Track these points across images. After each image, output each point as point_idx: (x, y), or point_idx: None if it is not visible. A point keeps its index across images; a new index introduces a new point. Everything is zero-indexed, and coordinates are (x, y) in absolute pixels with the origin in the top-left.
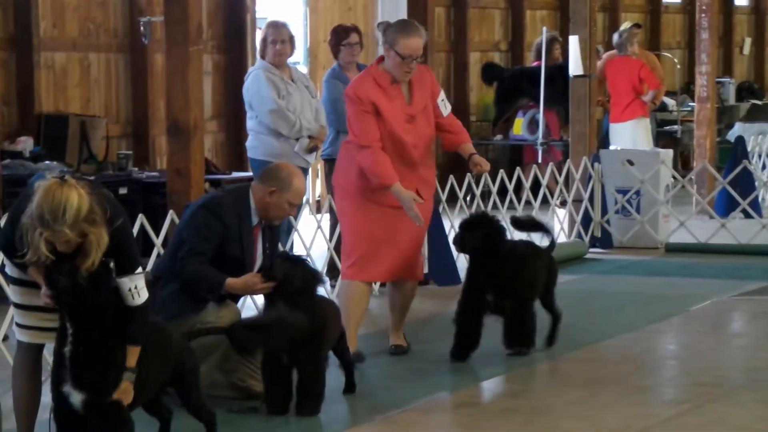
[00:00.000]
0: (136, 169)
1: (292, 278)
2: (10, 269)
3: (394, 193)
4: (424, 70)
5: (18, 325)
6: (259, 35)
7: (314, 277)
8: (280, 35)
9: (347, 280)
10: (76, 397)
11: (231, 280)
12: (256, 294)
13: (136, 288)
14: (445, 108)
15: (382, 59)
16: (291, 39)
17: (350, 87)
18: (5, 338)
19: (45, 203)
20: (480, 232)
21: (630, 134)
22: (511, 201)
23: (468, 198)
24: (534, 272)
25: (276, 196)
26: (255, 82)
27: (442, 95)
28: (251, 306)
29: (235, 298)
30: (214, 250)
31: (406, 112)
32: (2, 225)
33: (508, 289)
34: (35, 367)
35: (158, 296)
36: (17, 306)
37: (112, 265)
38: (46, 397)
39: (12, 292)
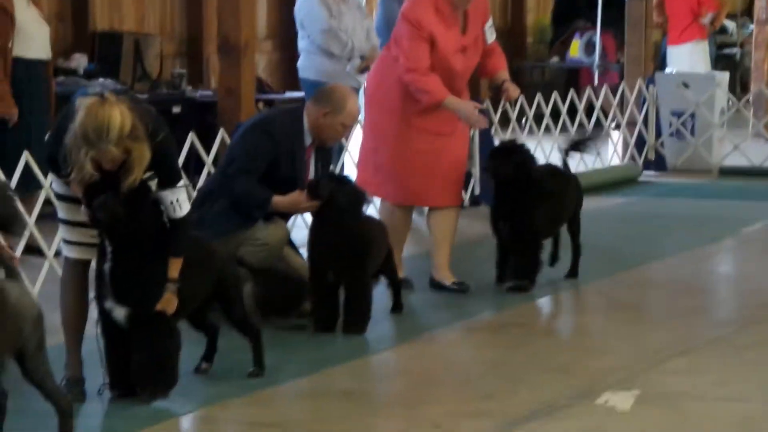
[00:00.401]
0: (190, 87)
1: (337, 197)
2: (56, 185)
3: (448, 105)
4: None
5: (65, 241)
6: None
7: (360, 197)
8: None
9: (388, 203)
10: (119, 312)
11: (277, 198)
12: (302, 212)
13: (178, 201)
14: (491, 35)
15: None
16: None
17: (409, 9)
18: (56, 254)
19: (88, 122)
20: (512, 160)
21: (687, 57)
22: (564, 123)
23: (523, 120)
24: (556, 207)
25: (330, 118)
26: (307, 1)
27: (489, 22)
28: (301, 224)
29: (286, 216)
30: (265, 169)
31: (460, 42)
32: (47, 141)
33: (523, 218)
34: (82, 282)
35: (208, 213)
36: (63, 222)
37: (151, 183)
38: (94, 312)
39: (59, 208)
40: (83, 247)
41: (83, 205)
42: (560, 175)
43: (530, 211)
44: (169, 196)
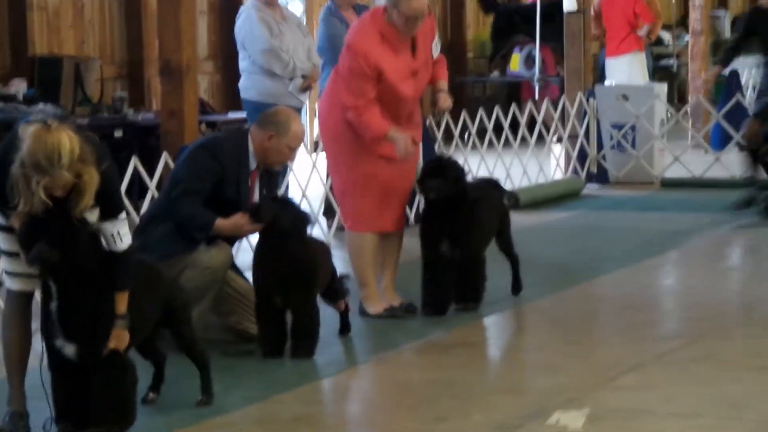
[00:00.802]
0: (132, 111)
1: (280, 220)
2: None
3: (390, 139)
4: (427, 17)
5: (6, 272)
6: None
7: (303, 219)
8: None
9: (356, 232)
10: (70, 349)
11: (220, 221)
12: (245, 235)
13: (119, 234)
14: (436, 50)
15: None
16: None
17: (354, 40)
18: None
19: (38, 149)
20: (448, 177)
21: (626, 69)
22: (506, 138)
23: (465, 136)
24: (486, 220)
25: (275, 141)
26: (247, 21)
27: (436, 38)
28: (246, 247)
29: (230, 239)
30: (210, 192)
31: (410, 67)
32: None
33: (460, 239)
34: (26, 314)
35: (152, 235)
36: (5, 253)
37: (91, 215)
38: (36, 344)
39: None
40: (25, 278)
41: (19, 244)
42: (483, 188)
43: (470, 229)
44: (110, 228)
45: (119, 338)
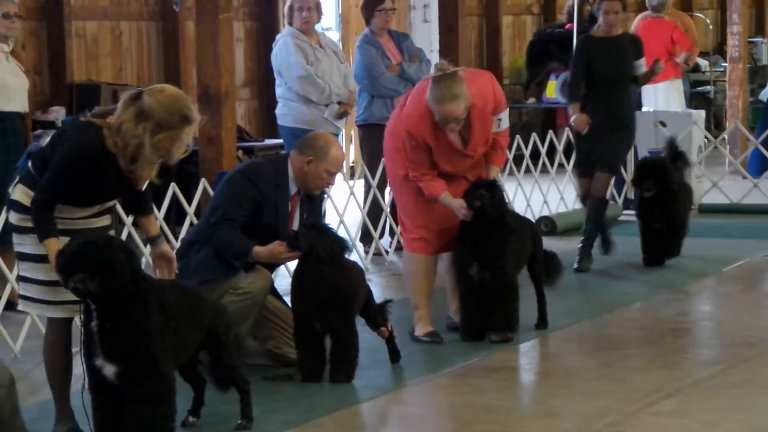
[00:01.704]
0: None
1: (316, 248)
2: (30, 247)
3: (442, 202)
4: (487, 94)
5: (46, 302)
6: (287, 1)
7: (340, 245)
8: (306, 2)
9: (413, 253)
10: (110, 369)
11: (258, 249)
12: (283, 263)
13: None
14: (499, 126)
15: None
16: (317, 5)
17: (406, 119)
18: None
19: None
20: (497, 195)
21: (663, 96)
22: (543, 164)
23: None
24: (521, 245)
25: (314, 165)
26: (283, 48)
27: (502, 114)
28: (284, 273)
29: (270, 265)
30: (248, 218)
31: (460, 152)
32: (46, 186)
33: (492, 263)
34: (67, 338)
35: (192, 260)
36: (44, 283)
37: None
38: (77, 368)
39: (37, 270)
40: (66, 305)
41: (58, 274)
42: (516, 215)
43: (505, 254)
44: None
45: (162, 255)
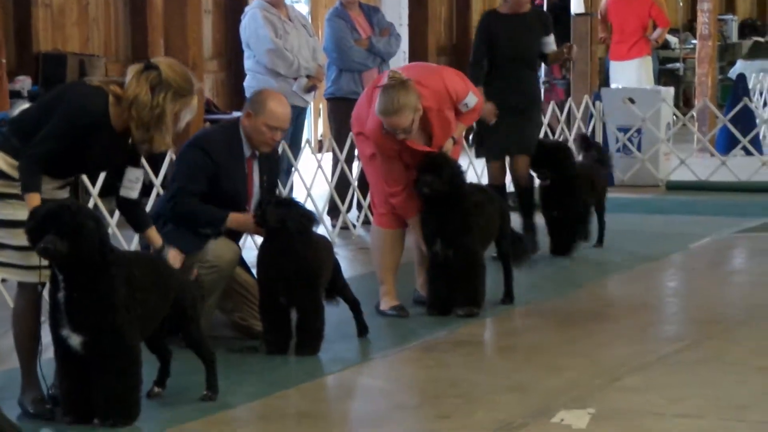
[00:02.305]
0: None
1: (286, 223)
2: (8, 214)
3: (411, 225)
4: (441, 94)
5: (19, 266)
6: None
7: (308, 219)
8: None
9: (380, 227)
10: (76, 340)
11: (234, 215)
12: (253, 233)
13: (137, 179)
14: (467, 107)
15: None
16: None
17: (369, 129)
18: (3, 279)
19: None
20: (445, 174)
21: (635, 73)
22: None
23: (470, 137)
24: (486, 221)
25: (253, 120)
26: (252, 21)
27: (466, 99)
28: (251, 245)
29: (237, 237)
30: (205, 187)
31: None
32: (43, 141)
33: (455, 239)
34: (36, 306)
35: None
36: (18, 249)
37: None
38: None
39: (12, 236)
40: (34, 270)
41: (27, 236)
42: (484, 190)
43: (466, 230)
44: (135, 172)
45: (175, 258)
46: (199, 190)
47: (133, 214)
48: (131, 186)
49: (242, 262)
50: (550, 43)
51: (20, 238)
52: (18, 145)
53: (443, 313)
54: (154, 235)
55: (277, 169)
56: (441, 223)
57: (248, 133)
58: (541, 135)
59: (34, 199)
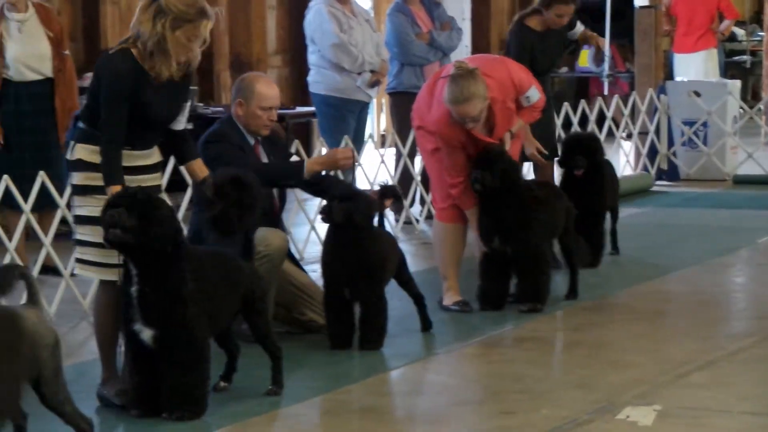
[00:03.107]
0: (201, 104)
1: (353, 217)
2: (91, 210)
3: (469, 217)
4: (506, 84)
5: (101, 264)
6: None
7: (372, 210)
8: None
9: (442, 222)
10: (147, 334)
11: (310, 160)
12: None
13: (185, 113)
14: (529, 102)
15: None
16: None
17: (433, 120)
18: (72, 273)
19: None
20: (497, 170)
21: (701, 65)
22: None
23: None
24: (550, 216)
25: (245, 107)
26: (317, 16)
27: (529, 92)
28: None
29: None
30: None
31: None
32: (105, 124)
33: (514, 235)
34: (116, 301)
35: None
36: (96, 245)
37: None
38: None
39: (94, 233)
40: (118, 269)
41: (101, 219)
42: (549, 186)
43: (528, 225)
44: (187, 107)
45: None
46: (255, 161)
47: (178, 146)
48: (177, 119)
49: (295, 261)
50: (577, 30)
51: (100, 235)
52: (93, 131)
53: (495, 309)
54: (199, 167)
55: (284, 148)
56: (498, 219)
57: (245, 122)
58: (605, 129)
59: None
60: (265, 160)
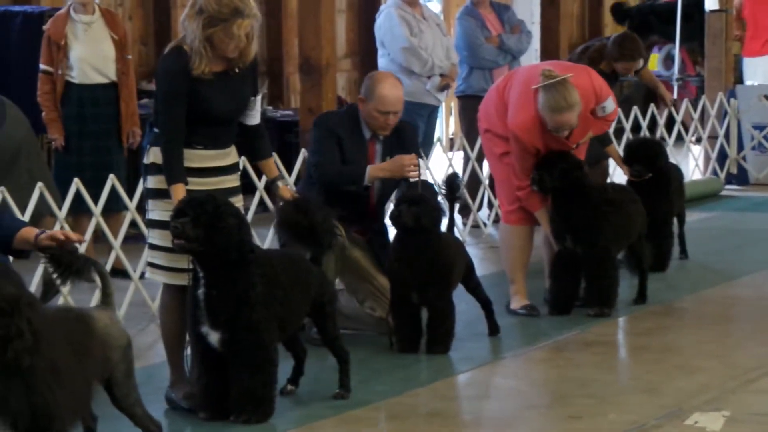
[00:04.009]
0: (271, 107)
1: (422, 221)
2: (162, 214)
3: (538, 218)
4: (588, 93)
5: (170, 269)
6: None
7: (439, 215)
8: None
9: (510, 225)
10: (214, 337)
11: (372, 167)
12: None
13: (257, 107)
14: (604, 112)
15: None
16: None
17: (515, 124)
18: (141, 276)
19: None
20: (557, 171)
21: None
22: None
23: None
24: (623, 220)
25: (365, 105)
26: (387, 20)
27: (605, 103)
28: None
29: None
30: (339, 155)
31: (565, 144)
32: (162, 124)
33: (584, 236)
34: (182, 303)
35: None
36: (165, 250)
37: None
38: None
39: (164, 237)
40: (180, 272)
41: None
42: (624, 191)
43: (599, 227)
44: (258, 101)
45: (285, 190)
46: (334, 158)
47: (251, 143)
48: (247, 113)
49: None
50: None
51: (170, 239)
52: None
53: (564, 313)
54: (271, 165)
55: (412, 145)
56: (568, 219)
57: (364, 117)
58: (674, 133)
59: (179, 190)
60: (378, 158)
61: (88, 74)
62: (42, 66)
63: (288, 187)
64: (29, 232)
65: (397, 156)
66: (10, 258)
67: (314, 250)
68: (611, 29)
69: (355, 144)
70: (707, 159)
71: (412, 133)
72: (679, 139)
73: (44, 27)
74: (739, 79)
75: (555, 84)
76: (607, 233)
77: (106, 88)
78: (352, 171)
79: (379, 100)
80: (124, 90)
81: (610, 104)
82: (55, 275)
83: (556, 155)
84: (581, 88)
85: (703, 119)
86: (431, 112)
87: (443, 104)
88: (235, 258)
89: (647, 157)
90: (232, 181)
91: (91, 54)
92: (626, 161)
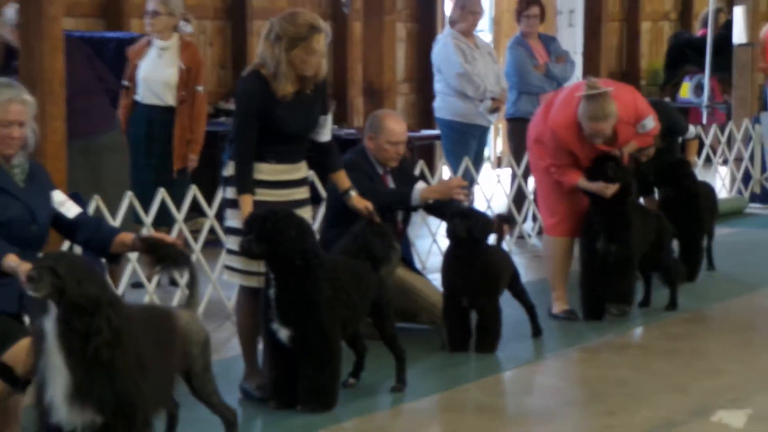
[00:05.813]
0: (336, 126)
1: (473, 232)
2: (236, 222)
3: (581, 186)
4: (629, 108)
5: (245, 272)
6: (449, 4)
7: (488, 228)
8: (477, 6)
9: (552, 236)
10: (284, 333)
11: (419, 186)
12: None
13: (324, 123)
14: (644, 129)
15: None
16: (482, 11)
17: (555, 121)
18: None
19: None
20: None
21: None
22: None
23: None
24: (643, 228)
25: (375, 141)
26: (444, 48)
27: (645, 120)
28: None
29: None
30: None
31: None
32: (235, 138)
33: (616, 235)
34: (255, 303)
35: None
36: (237, 253)
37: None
38: None
39: (236, 243)
40: (254, 275)
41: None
42: (638, 205)
43: (631, 229)
44: (328, 119)
45: (359, 201)
46: (376, 188)
47: (323, 158)
48: (319, 131)
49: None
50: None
51: None
52: None
53: (597, 319)
54: (343, 177)
55: (410, 174)
56: (606, 219)
57: (375, 154)
58: (703, 155)
59: (247, 202)
60: (392, 186)
61: (147, 96)
62: (123, 81)
63: (359, 196)
64: (126, 236)
65: (445, 180)
66: (103, 260)
67: (374, 259)
68: (647, 58)
69: (375, 180)
70: (733, 179)
71: (409, 164)
72: (708, 161)
73: (129, 47)
74: (764, 107)
75: (596, 95)
76: (635, 236)
77: (164, 111)
78: (401, 194)
79: (389, 133)
80: (183, 117)
81: (650, 122)
82: (152, 262)
83: (607, 156)
84: (622, 102)
85: (729, 143)
86: (482, 132)
87: (492, 126)
88: (300, 264)
89: (672, 177)
90: (302, 193)
91: (152, 77)
92: (655, 183)
